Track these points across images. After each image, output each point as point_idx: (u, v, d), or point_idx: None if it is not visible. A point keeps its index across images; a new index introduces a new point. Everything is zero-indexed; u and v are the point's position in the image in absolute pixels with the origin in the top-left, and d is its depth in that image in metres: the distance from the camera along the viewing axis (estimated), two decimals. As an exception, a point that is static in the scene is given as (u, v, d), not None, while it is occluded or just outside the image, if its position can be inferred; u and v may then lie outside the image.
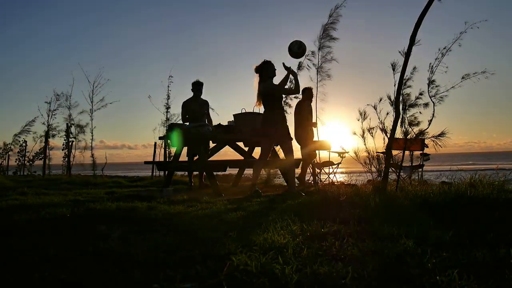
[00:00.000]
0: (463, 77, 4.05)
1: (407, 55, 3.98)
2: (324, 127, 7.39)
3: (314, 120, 6.93)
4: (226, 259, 1.82)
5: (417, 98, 4.26)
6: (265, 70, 5.07)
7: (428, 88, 4.12)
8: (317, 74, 7.79)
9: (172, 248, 2.03)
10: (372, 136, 5.04)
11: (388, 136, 4.36)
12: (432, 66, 4.08)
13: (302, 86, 6.50)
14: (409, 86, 4.27)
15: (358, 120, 4.93)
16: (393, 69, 4.25)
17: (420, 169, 6.84)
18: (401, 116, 4.25)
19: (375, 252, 1.92)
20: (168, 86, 9.82)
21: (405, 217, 2.80)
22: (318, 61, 7.83)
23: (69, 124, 10.55)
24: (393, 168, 4.38)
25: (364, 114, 4.97)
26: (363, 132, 5.00)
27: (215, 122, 6.75)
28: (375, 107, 4.76)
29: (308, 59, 7.98)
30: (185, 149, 6.32)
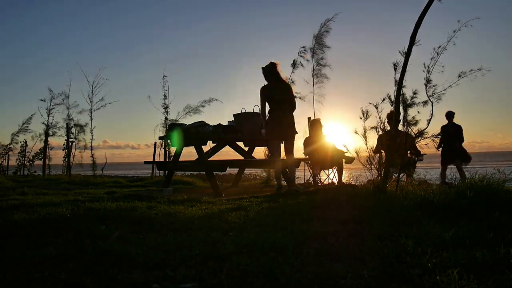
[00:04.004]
0: (459, 75, 4.05)
1: (407, 55, 3.98)
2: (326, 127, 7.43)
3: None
4: (226, 259, 1.82)
5: (412, 97, 4.25)
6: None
7: (426, 88, 4.11)
8: (312, 77, 8.07)
9: (172, 248, 2.02)
10: (380, 131, 4.98)
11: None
12: (428, 65, 4.08)
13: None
14: (404, 86, 4.26)
15: (361, 118, 4.91)
16: (395, 69, 4.24)
17: (414, 169, 6.80)
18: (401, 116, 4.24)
19: (375, 252, 1.92)
20: (164, 86, 9.79)
21: (405, 217, 2.80)
22: (313, 67, 8.08)
23: (69, 124, 10.55)
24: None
25: (367, 114, 4.95)
26: (365, 132, 4.98)
27: (218, 118, 6.73)
28: (376, 106, 4.76)
29: (301, 56, 8.18)
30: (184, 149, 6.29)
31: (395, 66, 4.22)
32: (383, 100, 4.66)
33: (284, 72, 5.64)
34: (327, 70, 8.02)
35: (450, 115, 7.52)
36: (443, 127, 7.42)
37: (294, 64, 8.28)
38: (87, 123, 10.25)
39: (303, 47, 8.22)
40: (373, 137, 5.11)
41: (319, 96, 7.99)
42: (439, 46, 4.00)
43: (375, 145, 5.22)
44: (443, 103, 4.14)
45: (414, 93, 4.23)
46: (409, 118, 4.37)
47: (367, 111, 4.90)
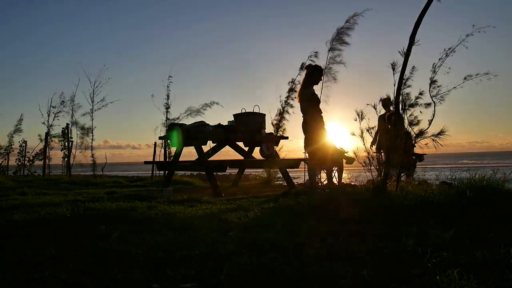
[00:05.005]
0: (465, 78, 4.05)
1: (406, 55, 3.97)
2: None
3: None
4: (226, 259, 1.82)
5: (417, 98, 4.25)
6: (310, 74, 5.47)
7: (430, 88, 4.11)
8: (323, 75, 7.98)
9: (172, 248, 2.03)
10: (371, 135, 5.02)
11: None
12: (435, 66, 4.07)
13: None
14: (409, 86, 4.26)
15: (355, 120, 4.91)
16: (393, 69, 4.23)
17: (414, 169, 6.79)
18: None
19: (375, 252, 1.92)
20: (168, 86, 9.81)
21: (405, 217, 2.80)
22: (326, 62, 7.98)
23: (69, 124, 10.56)
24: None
25: (362, 114, 4.95)
26: (362, 132, 4.98)
27: (218, 119, 6.73)
28: (375, 107, 4.76)
29: (311, 60, 8.15)
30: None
31: (393, 66, 4.22)
32: (381, 99, 4.67)
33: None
34: (341, 68, 7.93)
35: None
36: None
37: (302, 67, 8.29)
38: (94, 126, 10.24)
39: (316, 52, 8.17)
40: (371, 138, 5.11)
41: (325, 96, 7.95)
42: (449, 48, 4.00)
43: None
44: (446, 103, 4.15)
45: (420, 93, 4.23)
46: (410, 118, 4.37)
47: (361, 112, 4.90)
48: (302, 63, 8.30)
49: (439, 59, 4.05)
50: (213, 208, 3.70)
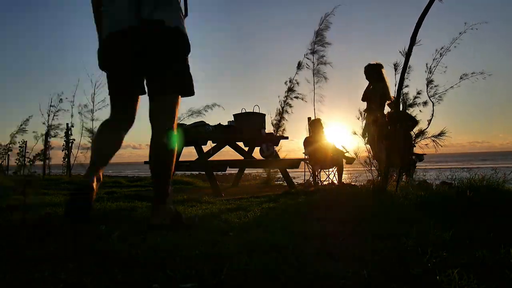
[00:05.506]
0: (461, 77, 4.07)
1: (407, 55, 3.97)
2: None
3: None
4: (226, 259, 1.82)
5: (415, 97, 4.27)
6: None
7: (427, 88, 4.13)
8: (313, 76, 8.09)
9: (172, 248, 2.02)
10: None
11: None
12: (430, 66, 4.09)
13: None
14: (407, 86, 4.28)
15: (358, 118, 4.92)
16: (395, 69, 4.25)
17: (414, 169, 6.79)
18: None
19: (375, 252, 1.92)
20: None
21: (405, 217, 2.80)
22: (313, 64, 8.09)
23: (69, 125, 10.57)
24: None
25: (364, 114, 4.96)
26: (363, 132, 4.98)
27: (218, 119, 6.74)
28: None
29: (307, 58, 8.22)
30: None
31: (395, 66, 4.23)
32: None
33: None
34: (328, 69, 8.03)
35: None
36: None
37: (299, 65, 8.35)
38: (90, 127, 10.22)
39: (310, 49, 8.29)
40: None
41: (319, 96, 8.02)
42: (442, 48, 4.02)
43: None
44: (446, 103, 4.16)
45: (418, 93, 4.26)
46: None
47: (364, 112, 4.91)
48: (299, 62, 8.36)
49: (434, 59, 4.08)
50: (213, 208, 3.70)
